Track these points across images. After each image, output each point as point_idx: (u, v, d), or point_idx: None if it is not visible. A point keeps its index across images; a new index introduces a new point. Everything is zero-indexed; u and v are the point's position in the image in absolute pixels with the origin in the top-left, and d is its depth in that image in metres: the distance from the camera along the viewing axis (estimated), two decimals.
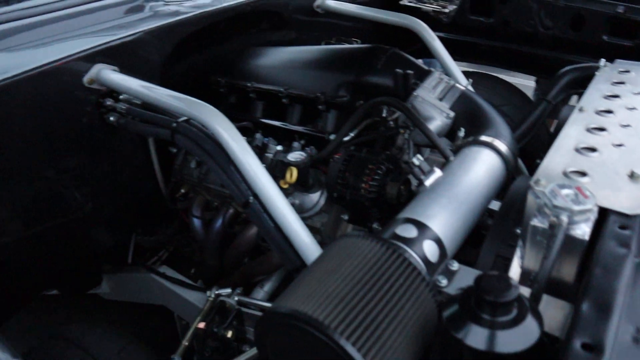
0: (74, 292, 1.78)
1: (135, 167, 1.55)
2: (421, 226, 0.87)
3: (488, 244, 1.03)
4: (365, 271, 0.71)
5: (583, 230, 0.75)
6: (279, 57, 1.65)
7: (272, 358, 0.74)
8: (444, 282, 0.81)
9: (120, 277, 1.75)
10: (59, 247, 1.43)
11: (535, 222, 0.78)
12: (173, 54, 1.49)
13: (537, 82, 3.09)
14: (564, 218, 0.74)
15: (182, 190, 1.62)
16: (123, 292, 1.78)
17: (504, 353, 0.61)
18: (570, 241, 0.75)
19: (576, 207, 0.75)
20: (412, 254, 0.80)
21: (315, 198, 1.37)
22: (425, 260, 0.81)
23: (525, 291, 0.76)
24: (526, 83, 3.01)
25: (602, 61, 1.41)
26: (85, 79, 1.29)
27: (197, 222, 1.58)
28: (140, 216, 1.65)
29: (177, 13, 1.55)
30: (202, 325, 1.26)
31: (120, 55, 1.34)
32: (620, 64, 1.40)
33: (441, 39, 1.90)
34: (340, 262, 0.73)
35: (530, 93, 2.70)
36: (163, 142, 1.48)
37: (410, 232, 0.85)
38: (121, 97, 1.34)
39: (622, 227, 0.78)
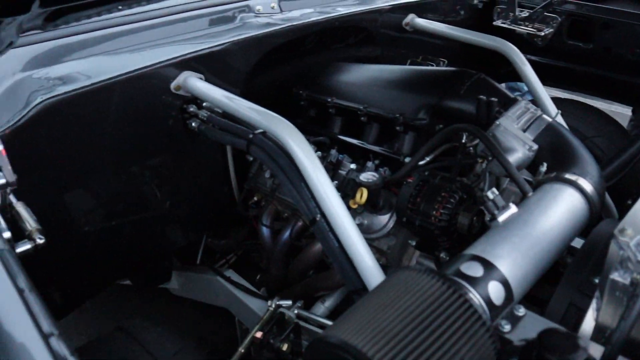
0: (145, 284, 1.86)
1: (212, 172, 1.60)
2: (488, 265, 0.83)
3: (562, 290, 0.96)
4: (422, 309, 0.68)
5: None
6: (361, 74, 1.65)
7: None
8: (507, 327, 0.76)
9: (189, 276, 1.82)
10: (135, 240, 1.50)
11: (616, 276, 0.72)
12: (258, 65, 1.53)
13: (633, 112, 2.88)
14: None
15: (255, 198, 1.66)
16: (190, 290, 1.84)
17: None
18: None
19: None
20: (475, 295, 0.76)
21: (384, 220, 1.34)
22: (488, 302, 0.77)
23: (598, 349, 0.70)
24: (622, 111, 2.81)
25: None
26: (173, 85, 1.34)
27: (265, 230, 1.60)
28: (212, 219, 1.71)
29: (266, 25, 1.59)
30: (259, 334, 1.28)
31: (207, 63, 1.39)
32: None
33: (533, 62, 1.82)
34: (397, 296, 0.71)
35: (626, 123, 2.52)
36: (240, 150, 1.53)
37: (475, 270, 0.81)
38: (204, 104, 1.39)
39: None
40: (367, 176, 1.27)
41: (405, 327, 0.66)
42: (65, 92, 1.14)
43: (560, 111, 1.52)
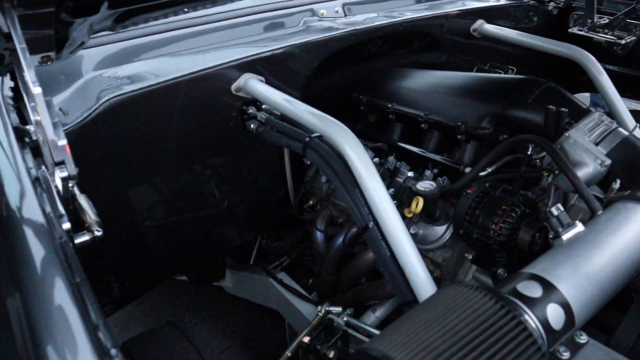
0: (201, 281, 1.90)
1: (269, 174, 1.61)
2: (548, 286, 0.77)
3: (631, 318, 0.89)
4: (471, 328, 0.64)
5: None
6: (423, 80, 1.61)
7: None
8: (565, 355, 0.71)
9: (242, 276, 1.84)
10: (193, 237, 1.54)
11: None
12: (319, 69, 1.53)
13: None
14: None
15: (310, 202, 1.66)
16: (242, 289, 1.86)
17: None
18: None
19: None
20: (532, 317, 0.71)
21: (440, 231, 1.30)
22: (546, 326, 0.72)
23: None
24: None
25: None
26: (233, 86, 1.36)
27: (319, 235, 1.59)
28: (267, 220, 1.72)
29: (329, 29, 1.58)
30: (307, 339, 1.27)
31: (268, 66, 1.40)
32: None
33: (613, 72, 1.71)
34: (445, 312, 0.67)
35: None
36: (298, 153, 1.53)
37: (534, 291, 0.76)
38: (263, 106, 1.40)
39: None
40: (424, 185, 1.23)
41: (451, 346, 0.62)
42: (132, 91, 1.18)
43: (639, 125, 1.42)
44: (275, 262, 1.85)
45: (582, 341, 0.73)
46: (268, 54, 1.40)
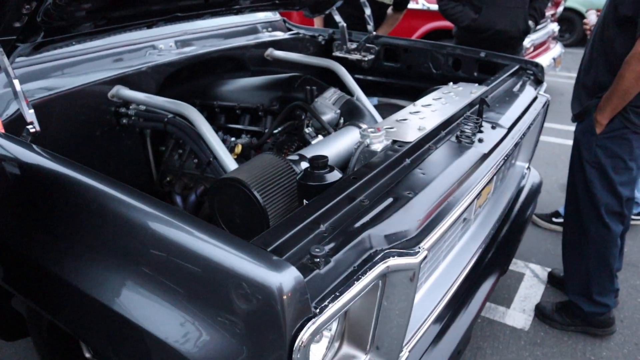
0: None
1: (134, 164, 2.23)
2: (302, 157, 1.59)
3: None
4: (271, 167, 1.42)
5: None
6: (233, 84, 2.41)
7: (217, 212, 1.43)
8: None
9: None
10: None
11: None
12: (164, 82, 2.24)
13: None
14: None
15: (168, 178, 2.32)
16: None
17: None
18: None
19: None
20: (296, 167, 1.52)
21: None
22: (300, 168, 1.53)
23: None
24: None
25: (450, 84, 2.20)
26: (109, 94, 2.02)
27: (178, 197, 2.26)
28: None
29: (166, 56, 2.31)
30: None
31: (132, 80, 2.08)
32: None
33: (362, 80, 2.66)
34: (260, 162, 1.44)
35: None
36: (155, 142, 2.20)
37: (295, 157, 1.57)
38: (131, 106, 2.06)
39: None
40: (243, 140, 2.02)
41: (263, 174, 1.39)
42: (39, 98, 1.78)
43: (357, 95, 2.37)
44: None
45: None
46: (131, 72, 2.08)
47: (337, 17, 2.94)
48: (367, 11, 2.92)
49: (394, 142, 1.54)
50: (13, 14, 1.40)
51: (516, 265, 3.06)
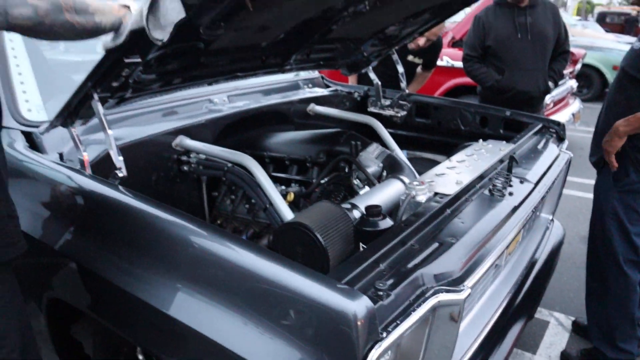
0: None
1: (191, 203, 2.46)
2: (354, 205, 1.80)
3: None
4: (329, 213, 1.63)
5: None
6: (282, 137, 2.65)
7: (280, 252, 1.63)
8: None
9: None
10: None
11: None
12: (221, 133, 2.49)
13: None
14: None
15: (218, 221, 2.53)
16: None
17: None
18: None
19: None
20: (352, 214, 1.72)
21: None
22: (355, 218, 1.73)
23: None
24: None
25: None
26: (173, 143, 2.26)
27: None
28: None
29: (221, 110, 2.57)
30: None
31: (193, 131, 2.33)
32: None
33: (396, 134, 2.91)
34: (319, 210, 1.65)
35: None
36: (208, 187, 2.43)
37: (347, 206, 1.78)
38: (192, 155, 2.30)
39: None
40: (294, 189, 2.23)
41: (322, 220, 1.59)
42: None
43: (394, 149, 2.59)
44: None
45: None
46: (192, 124, 2.33)
47: (372, 75, 3.20)
48: (400, 69, 3.17)
49: (436, 194, 1.74)
50: (114, 76, 1.66)
51: (541, 313, 3.18)
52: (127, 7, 1.39)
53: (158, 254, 1.47)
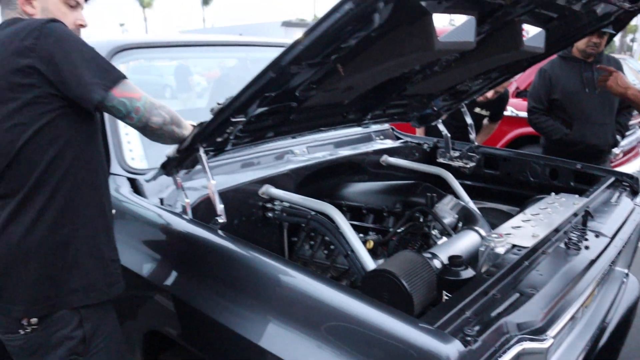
0: None
1: (270, 247, 2.62)
2: (434, 255, 1.91)
3: None
4: (413, 262, 1.74)
5: None
6: (359, 187, 2.81)
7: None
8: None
9: None
10: None
11: None
12: (302, 182, 2.67)
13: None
14: None
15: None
16: None
17: None
18: None
19: None
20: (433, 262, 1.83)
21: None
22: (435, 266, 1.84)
23: None
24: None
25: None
26: (259, 191, 2.46)
27: None
28: None
29: (301, 161, 2.76)
30: None
31: (278, 180, 2.52)
32: None
33: (465, 184, 3.01)
34: (403, 258, 1.77)
35: None
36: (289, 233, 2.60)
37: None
38: (276, 202, 2.48)
39: None
40: (373, 237, 2.37)
41: (407, 267, 1.71)
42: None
43: (466, 201, 2.68)
44: None
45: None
46: (276, 174, 2.53)
47: (441, 127, 3.32)
48: (469, 120, 3.28)
49: (513, 246, 1.83)
50: (219, 133, 1.87)
51: None
52: (194, 125, 1.81)
53: (253, 292, 1.63)
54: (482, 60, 2.47)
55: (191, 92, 4.55)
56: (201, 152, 1.91)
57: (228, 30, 41.57)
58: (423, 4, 1.60)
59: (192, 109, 3.92)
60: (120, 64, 2.63)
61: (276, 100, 1.85)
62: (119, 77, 1.53)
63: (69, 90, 1.49)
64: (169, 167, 2.05)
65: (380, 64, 1.88)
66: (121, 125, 2.48)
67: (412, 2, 1.57)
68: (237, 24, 45.16)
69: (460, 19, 1.91)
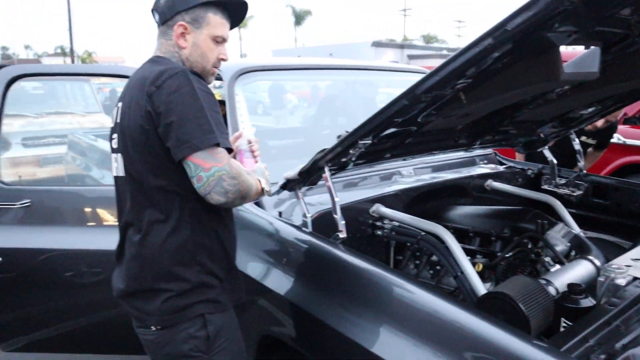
0: None
1: None
2: (549, 282, 1.93)
3: None
4: (528, 286, 1.78)
5: None
6: (466, 210, 2.85)
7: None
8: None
9: None
10: None
11: None
12: (410, 202, 2.76)
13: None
14: None
15: None
16: None
17: None
18: None
19: None
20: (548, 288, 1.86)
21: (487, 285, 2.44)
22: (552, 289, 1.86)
23: None
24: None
25: None
26: (370, 210, 2.57)
27: None
28: None
29: (409, 182, 2.85)
30: None
31: (387, 200, 2.62)
32: None
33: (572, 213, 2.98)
34: (516, 283, 1.82)
35: None
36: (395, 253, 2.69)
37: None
38: (385, 221, 2.58)
39: None
40: (482, 260, 2.41)
41: (523, 291, 1.75)
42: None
43: (579, 230, 2.65)
44: None
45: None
46: (386, 194, 2.64)
47: (547, 153, 3.29)
48: (577, 146, 3.23)
49: (635, 278, 1.81)
50: (345, 154, 2.01)
51: None
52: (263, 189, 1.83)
53: (372, 303, 1.74)
54: (600, 89, 2.45)
55: (284, 109, 4.78)
56: (327, 172, 2.06)
57: (319, 50, 42.57)
58: (551, 36, 1.66)
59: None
60: (242, 85, 2.88)
61: (400, 124, 1.97)
62: (203, 143, 1.57)
63: (165, 140, 1.61)
64: (289, 186, 2.23)
65: (502, 93, 1.95)
66: None
67: (542, 35, 1.63)
68: (328, 44, 46.03)
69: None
